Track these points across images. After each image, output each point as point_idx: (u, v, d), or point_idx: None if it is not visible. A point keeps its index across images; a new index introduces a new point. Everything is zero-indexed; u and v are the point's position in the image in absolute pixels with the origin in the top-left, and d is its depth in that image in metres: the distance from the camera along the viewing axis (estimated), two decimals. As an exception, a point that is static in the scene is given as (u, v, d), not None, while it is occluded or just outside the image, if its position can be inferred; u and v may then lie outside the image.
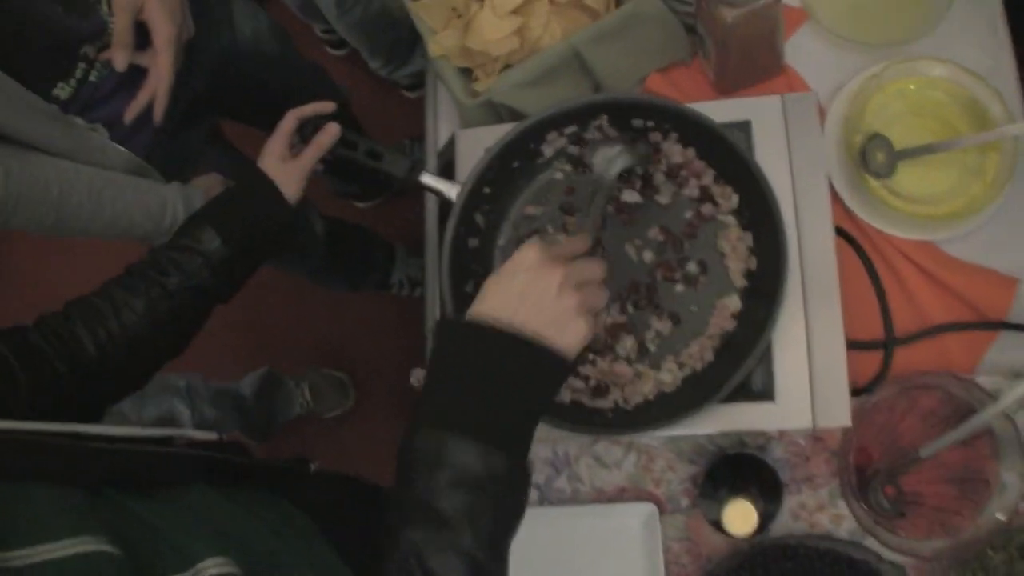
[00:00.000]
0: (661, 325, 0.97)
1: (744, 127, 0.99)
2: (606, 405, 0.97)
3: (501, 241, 1.06)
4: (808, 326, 0.93)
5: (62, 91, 1.07)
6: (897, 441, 0.97)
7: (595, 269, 0.76)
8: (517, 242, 1.04)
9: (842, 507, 0.99)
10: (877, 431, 0.98)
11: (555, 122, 1.00)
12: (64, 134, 1.06)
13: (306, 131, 1.02)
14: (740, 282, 0.96)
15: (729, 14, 0.94)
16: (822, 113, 1.07)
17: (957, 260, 1.01)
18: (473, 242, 1.03)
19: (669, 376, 0.96)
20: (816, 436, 1.01)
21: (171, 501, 0.74)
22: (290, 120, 1.02)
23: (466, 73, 1.19)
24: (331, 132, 1.00)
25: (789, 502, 1.01)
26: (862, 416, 0.97)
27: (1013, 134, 0.96)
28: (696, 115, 0.95)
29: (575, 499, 1.09)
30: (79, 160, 1.10)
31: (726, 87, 1.11)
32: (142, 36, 1.08)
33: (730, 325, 0.96)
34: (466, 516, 0.65)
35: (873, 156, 1.02)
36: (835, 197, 1.03)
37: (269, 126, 1.03)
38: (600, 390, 0.96)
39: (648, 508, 1.05)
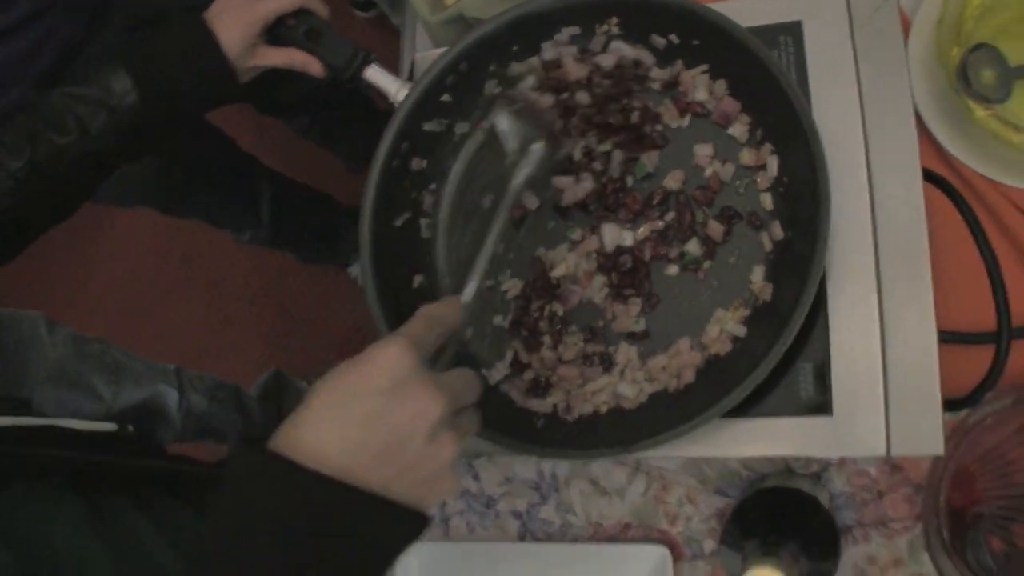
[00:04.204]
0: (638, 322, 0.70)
1: (792, 30, 0.71)
2: (542, 408, 0.70)
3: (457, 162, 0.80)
4: (883, 311, 0.64)
5: None
6: (1010, 475, 0.68)
7: (474, 387, 0.52)
8: (464, 191, 0.78)
9: (927, 564, 0.70)
10: (982, 460, 0.69)
11: (549, 17, 0.73)
12: None
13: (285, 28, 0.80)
14: (756, 289, 0.68)
15: None
16: (905, 20, 0.78)
17: (1101, 218, 0.72)
18: (419, 163, 0.77)
19: (632, 389, 0.69)
20: (894, 464, 0.73)
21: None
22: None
23: (440, -13, 0.93)
24: None
25: (853, 554, 0.73)
26: (961, 439, 0.68)
27: None
28: (731, 25, 0.67)
29: (565, 534, 0.83)
30: None
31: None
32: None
33: (723, 348, 0.68)
34: None
35: (978, 74, 0.73)
36: (923, 132, 0.75)
37: None
38: (538, 387, 0.71)
39: (659, 552, 0.78)
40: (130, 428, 0.77)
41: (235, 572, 0.42)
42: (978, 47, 0.73)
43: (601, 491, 0.82)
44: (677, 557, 0.79)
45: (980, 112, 0.73)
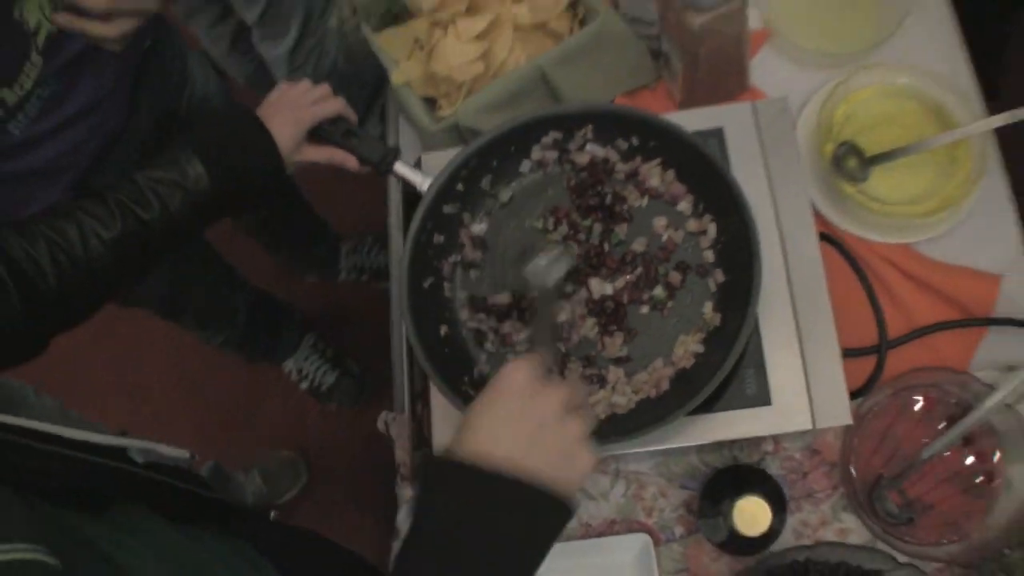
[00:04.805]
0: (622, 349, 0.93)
1: (717, 134, 0.98)
2: None
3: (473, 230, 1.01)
4: (799, 328, 0.89)
5: None
6: (897, 447, 0.93)
7: (581, 389, 0.71)
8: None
9: (846, 520, 0.94)
10: (876, 438, 0.94)
11: (542, 125, 0.97)
12: None
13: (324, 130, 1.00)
14: (708, 319, 0.92)
15: (697, 19, 0.94)
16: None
17: (939, 262, 1.00)
18: (438, 238, 0.98)
19: (623, 399, 0.90)
20: (813, 449, 0.97)
21: (122, 526, 0.68)
22: (338, 104, 0.99)
23: (429, 103, 1.17)
24: (338, 103, 0.99)
25: (790, 522, 0.95)
26: (859, 422, 0.93)
27: (979, 131, 0.96)
28: (679, 129, 0.92)
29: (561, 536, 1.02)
30: None
31: (693, 107, 1.11)
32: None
33: (688, 363, 0.91)
34: None
35: (846, 163, 1.01)
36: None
37: None
38: None
39: (641, 539, 0.98)
40: (194, 457, 0.90)
41: (440, 554, 0.59)
42: (844, 143, 1.02)
43: (589, 496, 1.02)
44: (655, 542, 0.98)
45: (849, 189, 1.01)
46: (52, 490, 0.61)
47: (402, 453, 1.07)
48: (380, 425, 1.11)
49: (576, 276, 0.91)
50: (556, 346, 0.91)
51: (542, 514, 0.61)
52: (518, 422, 0.62)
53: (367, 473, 2.08)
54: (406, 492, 1.06)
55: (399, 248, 1.16)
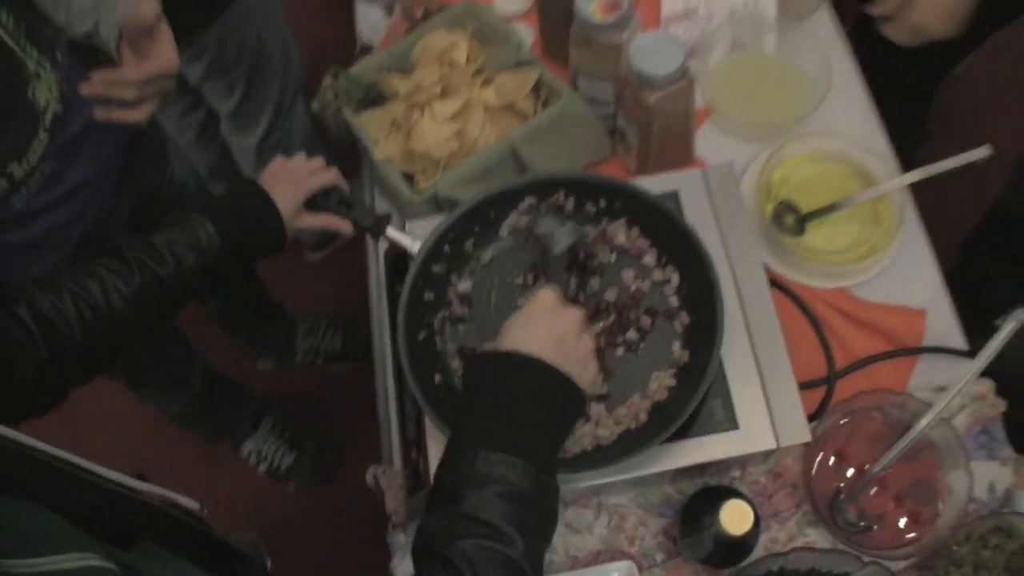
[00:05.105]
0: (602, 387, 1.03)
1: (673, 196, 1.10)
2: None
3: (460, 288, 1.10)
4: (758, 360, 1.01)
5: None
6: (851, 463, 1.04)
7: (587, 319, 0.90)
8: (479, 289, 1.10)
9: (811, 534, 1.03)
10: (832, 457, 1.05)
11: (519, 192, 1.08)
12: None
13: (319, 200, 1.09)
14: (677, 357, 1.02)
15: (652, 96, 1.08)
16: (734, 190, 1.20)
17: (872, 302, 1.13)
18: (429, 295, 1.07)
19: (606, 431, 1.00)
20: (776, 473, 1.07)
21: (152, 561, 0.73)
22: (332, 175, 1.08)
23: (407, 178, 1.27)
24: (332, 174, 1.09)
25: (762, 539, 1.04)
26: (816, 443, 1.04)
27: (897, 187, 1.11)
28: (643, 191, 1.05)
29: (550, 570, 1.09)
30: None
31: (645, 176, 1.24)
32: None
33: (663, 396, 1.01)
34: (515, 526, 0.71)
35: (784, 219, 1.15)
36: (757, 257, 1.15)
37: None
38: None
39: (626, 567, 1.05)
40: (204, 508, 0.95)
41: (484, 415, 0.76)
42: (782, 202, 1.16)
43: (574, 530, 1.10)
44: (639, 569, 1.06)
45: (790, 242, 1.14)
46: (72, 515, 0.64)
47: (394, 502, 1.13)
48: (369, 478, 1.17)
49: (584, 248, 1.07)
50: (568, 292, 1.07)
51: (569, 395, 0.79)
52: (548, 330, 0.81)
53: (327, 549, 2.10)
54: (399, 539, 1.12)
55: (379, 309, 1.23)
